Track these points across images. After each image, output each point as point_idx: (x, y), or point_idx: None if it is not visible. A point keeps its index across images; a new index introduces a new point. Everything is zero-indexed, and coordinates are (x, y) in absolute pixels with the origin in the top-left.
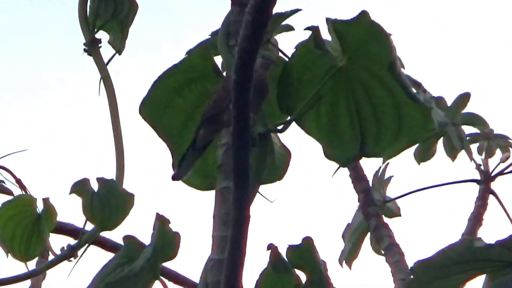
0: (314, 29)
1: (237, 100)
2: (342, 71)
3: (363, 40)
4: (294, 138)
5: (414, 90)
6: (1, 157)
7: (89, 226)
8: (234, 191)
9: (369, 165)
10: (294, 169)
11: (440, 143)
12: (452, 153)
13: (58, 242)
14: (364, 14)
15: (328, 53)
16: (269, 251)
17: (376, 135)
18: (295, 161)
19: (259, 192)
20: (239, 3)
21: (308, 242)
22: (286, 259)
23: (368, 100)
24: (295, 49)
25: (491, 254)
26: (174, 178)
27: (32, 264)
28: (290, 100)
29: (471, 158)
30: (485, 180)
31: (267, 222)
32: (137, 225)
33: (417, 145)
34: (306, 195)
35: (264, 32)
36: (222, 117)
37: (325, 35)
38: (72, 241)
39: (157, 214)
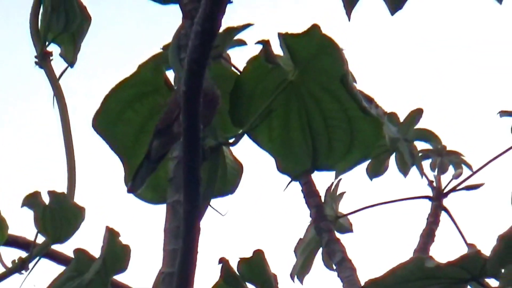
0: (265, 43)
1: (186, 111)
2: (293, 84)
3: (314, 54)
4: (247, 151)
5: (366, 104)
6: None
7: (41, 239)
8: (184, 204)
9: (322, 181)
10: (246, 182)
11: (392, 159)
12: (404, 169)
13: (9, 254)
14: (314, 27)
15: (279, 67)
16: (221, 264)
17: (328, 148)
18: (248, 174)
19: (210, 205)
20: (190, 17)
21: (259, 255)
22: (237, 272)
23: (319, 113)
24: (246, 63)
25: (442, 272)
26: (130, 191)
27: None
28: (242, 113)
29: (423, 174)
30: (438, 196)
31: (218, 235)
32: (88, 238)
33: (369, 160)
34: (258, 208)
35: (213, 43)
36: (173, 129)
37: (277, 49)
38: (24, 254)
39: (107, 227)
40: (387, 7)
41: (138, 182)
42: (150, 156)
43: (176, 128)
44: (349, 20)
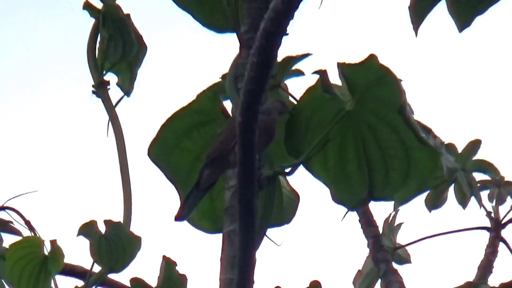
0: (322, 73)
1: (242, 141)
2: (350, 114)
3: (371, 84)
4: (304, 181)
5: (423, 135)
6: (11, 198)
7: (97, 268)
8: (240, 233)
9: (379, 211)
10: (303, 212)
11: (451, 190)
12: (462, 200)
13: (66, 283)
14: (372, 57)
15: (336, 97)
16: None
17: (384, 178)
18: (304, 204)
19: (266, 235)
20: (247, 46)
21: (315, 285)
22: None
23: (376, 143)
24: (303, 93)
25: None
26: (177, 218)
27: None
28: (298, 143)
29: (481, 205)
30: (496, 227)
31: (274, 265)
32: (144, 267)
33: (428, 192)
34: (314, 239)
35: (269, 74)
36: (229, 158)
37: (335, 79)
38: (80, 283)
39: (164, 256)
40: (455, 24)
41: (186, 211)
42: (199, 185)
43: (232, 158)
44: (416, 35)
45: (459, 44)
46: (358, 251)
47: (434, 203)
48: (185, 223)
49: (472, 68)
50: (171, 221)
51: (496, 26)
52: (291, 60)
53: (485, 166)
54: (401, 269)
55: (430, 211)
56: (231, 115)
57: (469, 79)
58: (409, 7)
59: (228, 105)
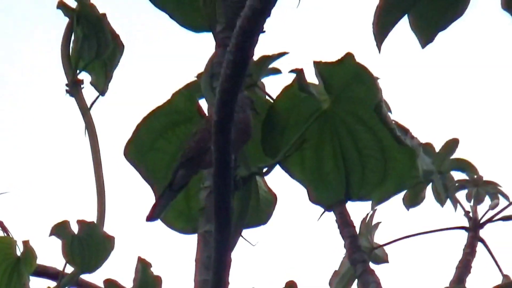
0: (298, 72)
1: (217, 140)
2: (326, 114)
3: (348, 82)
4: (280, 181)
5: (401, 135)
6: None
7: (70, 269)
8: (215, 234)
9: (357, 211)
10: (279, 212)
11: (429, 189)
12: (440, 200)
13: (38, 284)
14: (348, 56)
15: (312, 96)
16: None
17: (361, 178)
18: (281, 204)
19: (241, 236)
20: (223, 45)
21: (291, 286)
22: None
23: (353, 143)
24: (279, 92)
25: None
26: (149, 219)
27: None
28: (274, 143)
29: (456, 207)
30: (474, 227)
31: (250, 266)
32: (118, 268)
33: (405, 190)
34: (291, 239)
35: (245, 72)
36: (204, 158)
37: (312, 78)
38: (53, 284)
39: (139, 257)
40: (418, 40)
41: (157, 211)
42: (172, 185)
43: (209, 158)
44: (379, 52)
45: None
46: (335, 251)
47: (412, 201)
48: (160, 223)
49: (449, 65)
50: (145, 221)
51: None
52: (268, 58)
53: (463, 165)
54: (378, 269)
55: (408, 210)
56: (207, 114)
57: (449, 77)
58: (372, 24)
59: (204, 104)
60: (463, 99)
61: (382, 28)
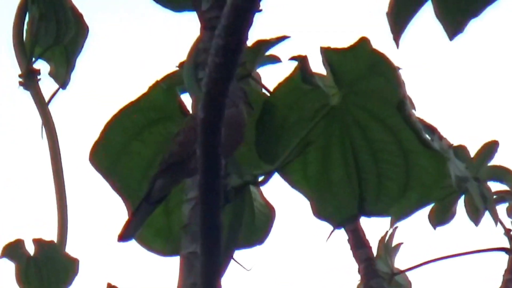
0: (301, 59)
1: (204, 143)
2: (335, 110)
3: (362, 73)
4: (279, 192)
5: (427, 136)
6: None
7: None
8: (201, 257)
9: (373, 229)
10: (278, 229)
11: (460, 203)
12: (475, 216)
13: None
14: (363, 41)
15: (318, 89)
16: None
17: (377, 189)
18: (280, 220)
19: (233, 259)
20: (210, 27)
21: None
22: None
23: (367, 146)
24: (278, 84)
25: None
26: (121, 239)
27: None
28: (272, 146)
29: (497, 221)
30: None
31: None
32: None
33: (431, 205)
34: (292, 263)
35: (238, 60)
36: (188, 165)
37: (319, 67)
38: None
39: (109, 284)
40: (444, 31)
41: (131, 229)
42: (150, 197)
43: (192, 164)
44: (397, 47)
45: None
46: (347, 277)
47: (439, 218)
48: (134, 243)
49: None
50: (115, 241)
51: None
52: (265, 44)
53: (503, 174)
54: None
55: (434, 228)
56: (190, 111)
57: (483, 68)
58: (387, 14)
59: (187, 99)
60: (502, 96)
61: (399, 18)
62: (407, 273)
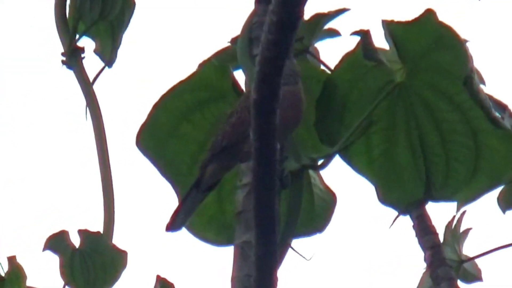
0: (364, 34)
1: (258, 126)
2: (400, 88)
3: (428, 47)
4: (341, 176)
5: (497, 114)
6: None
7: None
8: (256, 247)
9: (440, 214)
10: (339, 217)
11: None
12: None
13: None
14: (429, 13)
15: (382, 65)
16: None
17: (445, 172)
18: (341, 207)
19: (291, 247)
20: (265, 0)
21: None
22: None
23: (434, 126)
24: (339, 60)
25: None
26: (169, 228)
27: None
28: (333, 127)
29: None
30: None
31: (302, 286)
32: None
33: (501, 187)
34: (354, 251)
35: (293, 36)
36: (242, 148)
37: (381, 42)
38: None
39: (158, 276)
40: None
41: (181, 218)
42: (200, 184)
43: (246, 148)
44: None
45: None
46: (413, 266)
47: (510, 201)
48: (185, 232)
49: None
50: (164, 231)
51: None
52: (323, 17)
53: None
54: None
55: (504, 212)
56: (244, 90)
57: None
58: None
59: (240, 77)
60: None
61: None
62: (476, 260)
